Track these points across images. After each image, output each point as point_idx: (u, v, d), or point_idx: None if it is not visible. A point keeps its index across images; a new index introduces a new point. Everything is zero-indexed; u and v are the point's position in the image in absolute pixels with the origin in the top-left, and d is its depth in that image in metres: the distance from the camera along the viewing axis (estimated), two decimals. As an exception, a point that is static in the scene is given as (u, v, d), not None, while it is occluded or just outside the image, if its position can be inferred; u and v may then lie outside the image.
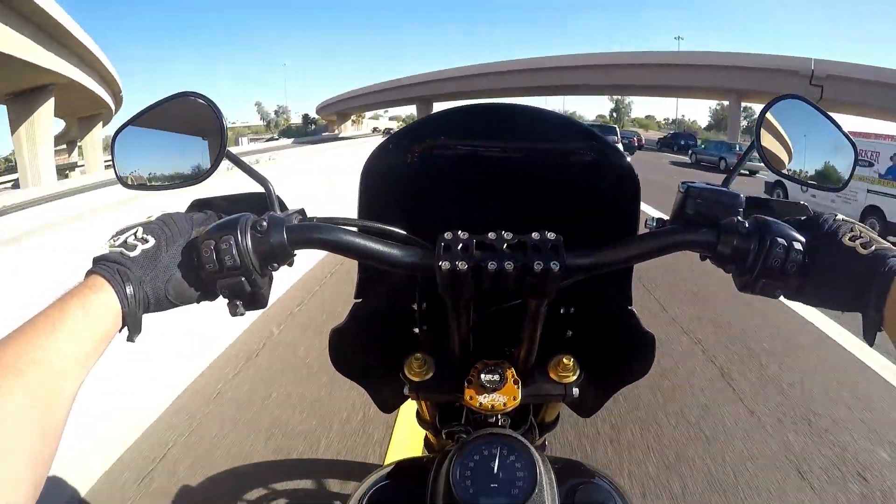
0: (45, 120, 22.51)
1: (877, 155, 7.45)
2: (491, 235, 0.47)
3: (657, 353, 0.63)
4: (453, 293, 0.48)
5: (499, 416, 0.63)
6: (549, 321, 0.56)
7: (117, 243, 0.43)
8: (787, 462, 1.91)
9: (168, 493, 1.72)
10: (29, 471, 0.32)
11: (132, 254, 0.43)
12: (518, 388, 0.59)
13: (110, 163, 0.64)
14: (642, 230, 0.56)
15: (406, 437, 1.96)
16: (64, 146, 42.41)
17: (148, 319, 0.43)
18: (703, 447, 1.98)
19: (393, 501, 0.57)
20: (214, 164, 0.53)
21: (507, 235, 0.46)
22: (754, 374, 2.60)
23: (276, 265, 0.47)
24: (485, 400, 0.58)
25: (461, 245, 0.46)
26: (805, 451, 1.98)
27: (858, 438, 2.07)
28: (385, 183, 0.62)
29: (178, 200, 0.57)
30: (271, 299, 0.49)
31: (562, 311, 0.67)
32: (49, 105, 22.31)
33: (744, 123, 34.40)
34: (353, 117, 65.80)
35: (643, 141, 31.49)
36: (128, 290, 0.41)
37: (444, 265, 0.45)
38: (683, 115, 73.03)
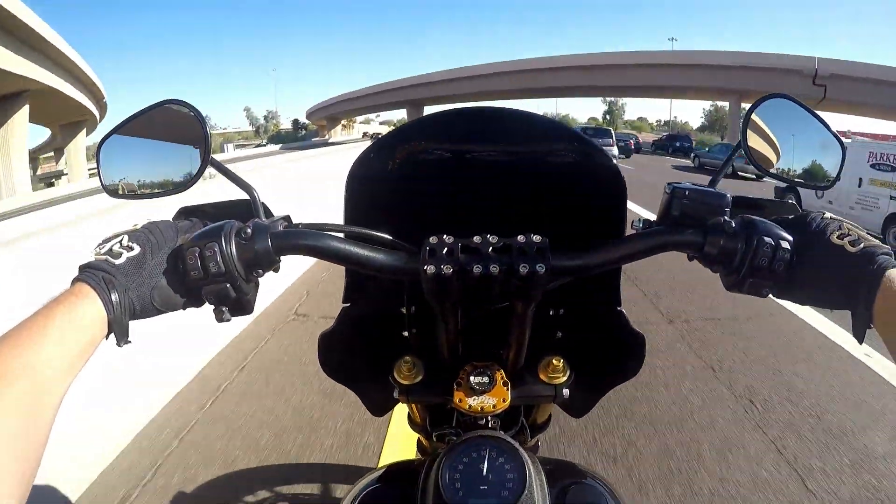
0: (20, 128, 21.45)
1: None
2: (476, 239, 0.47)
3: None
4: (439, 297, 0.48)
5: (489, 418, 0.63)
6: (539, 322, 0.56)
7: (103, 251, 0.44)
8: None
9: (164, 497, 1.71)
10: (15, 479, 0.32)
11: (117, 261, 0.43)
12: (507, 389, 0.59)
13: (95, 171, 0.64)
14: (629, 231, 0.56)
15: (401, 439, 1.95)
16: (51, 154, 41.84)
17: (135, 326, 0.43)
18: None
19: None
20: (199, 172, 0.53)
21: (493, 239, 0.47)
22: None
23: (261, 271, 0.48)
24: (474, 402, 0.58)
25: (446, 249, 0.46)
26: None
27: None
28: (370, 188, 0.62)
29: (165, 208, 0.57)
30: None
31: (551, 313, 0.67)
32: (24, 112, 21.31)
33: (744, 124, 34.09)
34: (343, 122, 65.57)
35: (641, 143, 30.76)
36: (113, 298, 0.41)
37: (430, 269, 0.45)
38: (675, 117, 73.09)
